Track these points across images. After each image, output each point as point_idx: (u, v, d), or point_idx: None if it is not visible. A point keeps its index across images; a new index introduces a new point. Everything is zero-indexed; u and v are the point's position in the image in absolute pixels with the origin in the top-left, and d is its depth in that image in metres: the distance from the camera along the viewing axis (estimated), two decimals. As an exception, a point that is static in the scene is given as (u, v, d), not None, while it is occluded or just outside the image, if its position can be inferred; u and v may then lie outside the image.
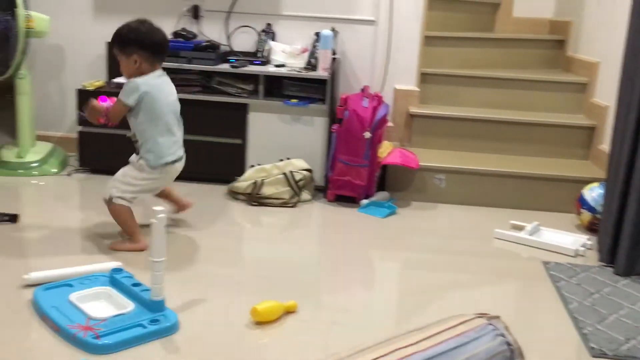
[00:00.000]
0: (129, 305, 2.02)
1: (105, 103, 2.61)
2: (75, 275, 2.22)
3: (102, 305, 2.06)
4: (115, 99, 2.58)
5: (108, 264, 2.32)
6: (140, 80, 2.50)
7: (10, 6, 3.22)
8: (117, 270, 2.23)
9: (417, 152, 3.38)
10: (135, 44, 2.50)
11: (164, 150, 2.56)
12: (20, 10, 3.20)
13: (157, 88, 2.55)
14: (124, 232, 2.62)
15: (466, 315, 1.66)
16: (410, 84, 3.72)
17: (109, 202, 2.57)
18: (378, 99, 3.29)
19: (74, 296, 2.05)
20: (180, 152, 2.65)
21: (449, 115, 3.64)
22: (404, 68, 3.69)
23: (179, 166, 2.66)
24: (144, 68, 2.53)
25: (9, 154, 3.49)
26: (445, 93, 3.81)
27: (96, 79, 3.61)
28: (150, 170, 2.56)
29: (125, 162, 2.84)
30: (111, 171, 3.01)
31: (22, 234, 2.66)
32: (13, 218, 2.73)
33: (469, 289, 2.48)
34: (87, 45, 3.76)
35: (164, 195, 2.84)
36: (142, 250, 2.54)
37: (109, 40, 3.69)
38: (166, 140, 2.57)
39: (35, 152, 3.52)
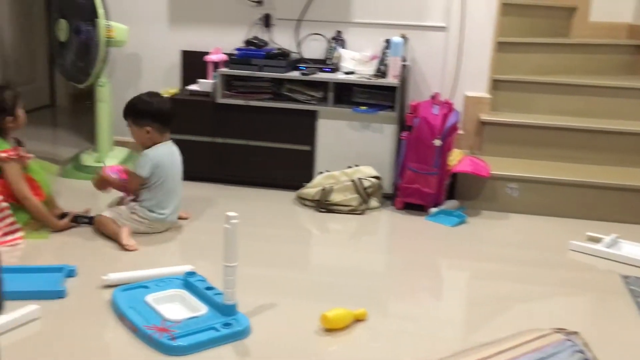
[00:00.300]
0: (202, 308, 2.07)
1: (114, 174, 2.85)
2: (151, 277, 2.30)
3: (176, 307, 2.11)
4: (120, 167, 2.91)
5: (182, 267, 2.38)
6: (151, 154, 2.75)
7: (92, 16, 3.36)
8: (191, 273, 2.28)
9: (488, 160, 3.32)
10: (148, 116, 2.76)
11: (165, 213, 2.79)
12: (101, 21, 3.34)
13: (167, 159, 2.80)
14: (105, 232, 2.72)
15: (543, 329, 1.62)
16: (481, 91, 3.66)
17: (99, 216, 2.77)
18: (448, 106, 3.25)
19: (150, 298, 2.11)
20: (177, 214, 2.88)
21: (521, 123, 3.56)
22: (475, 75, 3.63)
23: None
24: (154, 137, 2.78)
25: (89, 159, 3.64)
26: (518, 100, 3.72)
27: (171, 87, 3.72)
28: (147, 220, 2.76)
29: (202, 168, 2.94)
30: (187, 176, 3.10)
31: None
32: (92, 220, 2.84)
33: (541, 302, 2.41)
34: (163, 53, 3.89)
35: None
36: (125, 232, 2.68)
37: (184, 49, 3.85)
38: (170, 205, 2.80)
39: (113, 157, 3.65)
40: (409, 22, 3.60)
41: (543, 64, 3.93)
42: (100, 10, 3.33)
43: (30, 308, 2.01)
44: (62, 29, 3.48)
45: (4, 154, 2.63)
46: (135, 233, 2.72)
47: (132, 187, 2.80)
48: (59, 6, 3.52)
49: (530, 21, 4.16)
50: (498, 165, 3.32)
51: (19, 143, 2.80)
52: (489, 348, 1.53)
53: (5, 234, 2.61)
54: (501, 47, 3.68)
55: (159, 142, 2.80)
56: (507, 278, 2.58)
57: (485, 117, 3.58)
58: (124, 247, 2.61)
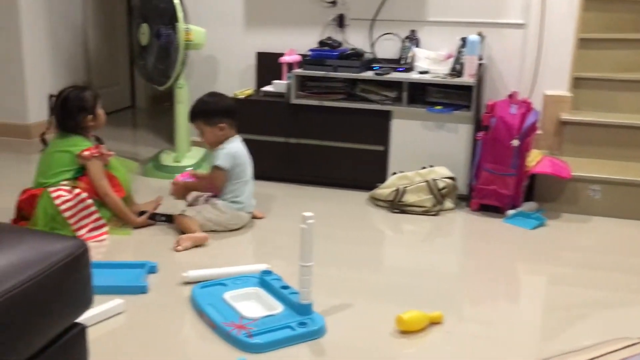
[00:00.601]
0: (278, 307, 2.09)
1: (186, 178, 2.92)
2: (229, 275, 2.34)
3: (253, 305, 2.15)
4: (187, 173, 2.96)
5: (258, 266, 2.42)
6: (229, 147, 2.85)
7: (172, 20, 3.46)
8: (267, 272, 2.31)
9: (569, 161, 3.21)
10: (219, 114, 2.85)
11: (245, 202, 2.88)
12: (181, 24, 3.43)
13: (241, 151, 2.90)
14: (184, 231, 2.74)
15: (631, 338, 1.54)
16: (561, 89, 3.54)
17: (179, 214, 2.81)
18: (527, 106, 3.16)
19: (227, 295, 2.15)
20: (252, 207, 2.96)
21: (604, 122, 3.42)
22: (555, 73, 3.52)
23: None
24: (228, 132, 2.86)
25: (168, 158, 3.75)
26: (601, 98, 3.58)
27: (246, 88, 3.79)
28: (230, 212, 2.83)
29: (275, 168, 2.97)
30: (261, 176, 3.14)
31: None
32: (169, 218, 2.92)
33: (625, 309, 2.30)
34: (239, 55, 3.96)
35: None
36: (204, 239, 2.69)
37: (259, 50, 3.91)
38: (247, 193, 2.90)
39: (190, 157, 3.75)
40: (486, 19, 3.53)
41: (627, 60, 3.75)
42: (180, 14, 3.43)
43: (115, 302, 2.09)
44: (144, 33, 3.59)
45: (87, 152, 2.74)
46: (212, 231, 2.78)
47: (219, 183, 2.85)
48: (141, 11, 3.64)
49: (613, 16, 3.97)
50: (579, 167, 3.20)
51: (99, 141, 2.91)
52: (574, 357, 1.47)
53: (92, 230, 2.72)
54: (583, 43, 3.55)
55: (231, 137, 2.87)
56: (589, 284, 2.49)
57: (565, 116, 3.46)
58: (177, 241, 2.64)
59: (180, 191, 2.95)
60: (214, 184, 2.87)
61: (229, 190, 2.85)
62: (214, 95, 2.96)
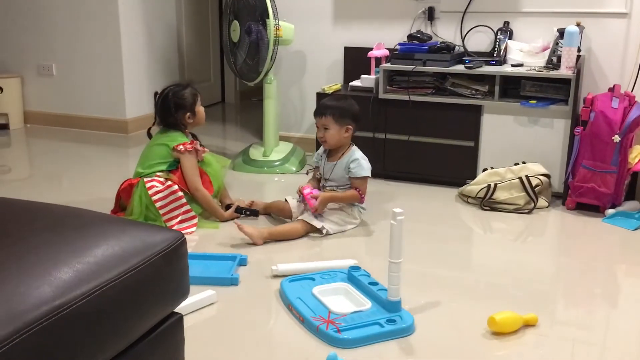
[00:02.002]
0: (367, 303, 2.08)
1: (314, 192, 2.80)
2: (317, 269, 2.35)
3: (341, 300, 2.14)
4: (309, 191, 2.78)
5: (346, 261, 2.41)
6: (360, 155, 2.84)
7: (262, 17, 3.51)
8: (355, 268, 2.30)
9: (676, 159, 3.01)
10: (351, 117, 2.83)
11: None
12: (271, 20, 3.47)
13: None
14: (279, 236, 2.69)
15: None
16: (668, 82, 3.33)
17: (316, 230, 2.74)
18: (629, 99, 2.99)
19: (316, 290, 2.16)
20: None
21: None
22: (662, 64, 3.31)
23: None
24: (348, 139, 2.86)
25: (256, 153, 3.81)
26: None
27: (334, 83, 3.79)
28: (356, 216, 2.86)
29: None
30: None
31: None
32: (255, 212, 2.97)
33: None
34: (327, 50, 3.97)
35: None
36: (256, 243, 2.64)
37: (347, 45, 3.90)
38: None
39: (278, 152, 3.80)
40: (585, 9, 3.37)
41: None
42: (271, 10, 3.47)
43: (208, 293, 2.15)
44: (235, 29, 3.67)
45: (181, 146, 2.83)
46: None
47: (365, 190, 2.84)
48: (232, 8, 3.72)
49: None
50: (687, 164, 3.00)
51: (195, 138, 3.00)
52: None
53: (182, 222, 2.80)
54: (693, 32, 3.32)
55: (349, 143, 2.86)
56: (699, 290, 2.33)
57: (672, 110, 3.25)
58: (244, 229, 2.60)
59: (325, 205, 2.79)
60: (363, 193, 2.82)
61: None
62: (347, 97, 3.00)
